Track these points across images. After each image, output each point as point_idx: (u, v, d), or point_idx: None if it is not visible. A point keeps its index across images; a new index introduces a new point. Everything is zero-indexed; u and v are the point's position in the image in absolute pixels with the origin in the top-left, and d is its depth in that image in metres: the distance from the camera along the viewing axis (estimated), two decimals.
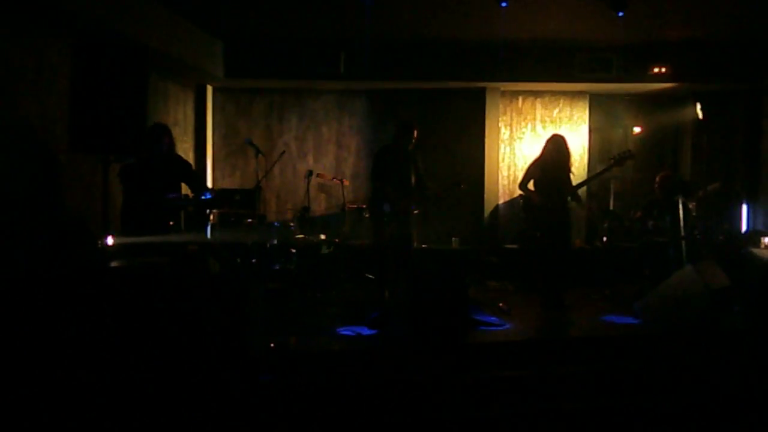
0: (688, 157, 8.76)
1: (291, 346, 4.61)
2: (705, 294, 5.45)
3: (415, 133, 6.23)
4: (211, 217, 7.89)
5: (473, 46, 7.92)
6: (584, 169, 8.59)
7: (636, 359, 4.83)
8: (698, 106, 8.11)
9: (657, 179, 7.08)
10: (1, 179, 4.81)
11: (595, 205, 8.76)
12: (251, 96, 8.73)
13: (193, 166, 5.92)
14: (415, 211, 6.43)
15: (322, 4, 6.46)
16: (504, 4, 5.51)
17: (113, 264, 4.80)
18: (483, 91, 8.51)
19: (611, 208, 8.59)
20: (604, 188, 8.93)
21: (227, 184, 8.64)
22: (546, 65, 8.09)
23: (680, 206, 6.55)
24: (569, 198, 6.30)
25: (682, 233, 6.50)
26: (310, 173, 7.51)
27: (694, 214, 6.83)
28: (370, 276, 6.91)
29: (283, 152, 7.61)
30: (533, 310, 6.15)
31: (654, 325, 5.49)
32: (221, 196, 7.45)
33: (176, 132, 7.09)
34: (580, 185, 6.40)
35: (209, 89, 8.50)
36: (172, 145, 5.57)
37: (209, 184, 8.51)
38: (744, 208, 8.30)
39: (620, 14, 5.81)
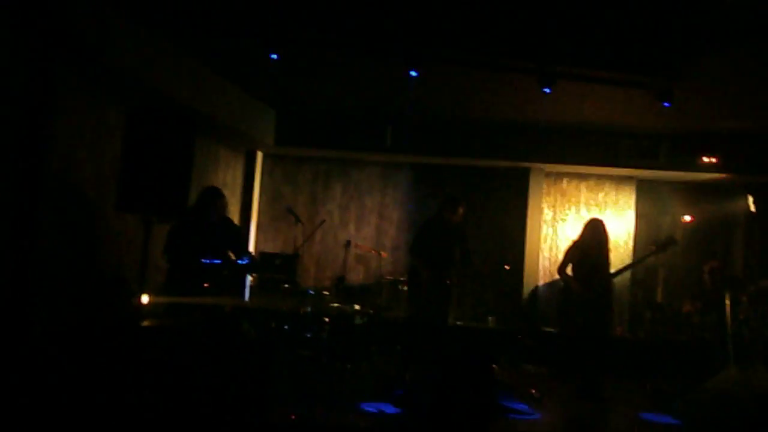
0: (739, 249, 8.47)
1: (312, 419, 4.54)
2: (752, 398, 5.16)
3: (461, 208, 6.20)
4: (251, 280, 8.05)
5: (518, 127, 8.01)
6: (629, 256, 8.39)
7: None
8: (750, 199, 7.89)
9: (705, 269, 6.84)
10: (54, 234, 5.04)
11: (640, 293, 8.49)
12: (298, 163, 8.97)
13: (241, 231, 6.03)
14: (448, 281, 6.27)
15: (370, 80, 6.67)
16: (547, 90, 5.55)
17: (145, 323, 4.89)
18: (527, 171, 8.53)
19: (658, 296, 8.33)
20: (652, 276, 8.69)
21: (270, 247, 8.77)
22: (591, 149, 8.08)
23: (728, 301, 6.28)
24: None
25: (730, 330, 6.20)
26: (348, 243, 7.58)
27: (744, 310, 6.54)
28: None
29: (323, 221, 7.73)
30: (567, 399, 5.92)
31: (695, 428, 5.18)
32: (261, 260, 7.59)
33: (224, 194, 7.34)
34: (620, 271, 6.24)
35: (259, 154, 8.79)
36: (224, 208, 5.70)
37: (252, 247, 8.67)
38: None
39: (666, 105, 5.77)
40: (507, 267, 6.34)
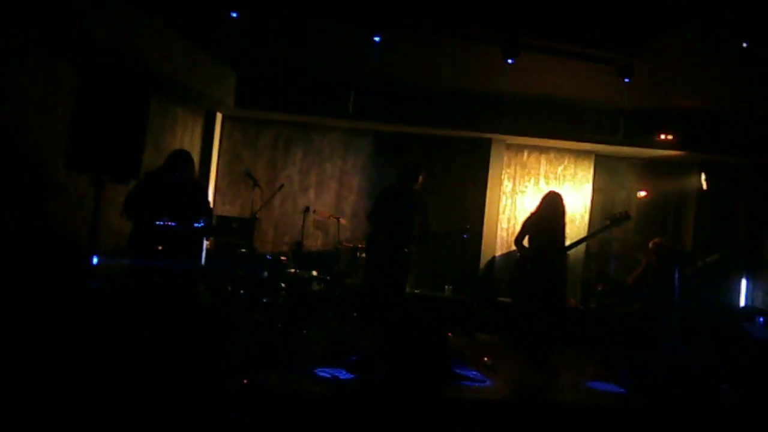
0: (690, 225, 8.69)
1: (266, 384, 4.54)
2: (695, 369, 5.35)
3: (421, 176, 6.19)
4: (207, 244, 7.94)
5: (480, 97, 8.00)
6: (585, 228, 8.54)
7: (614, 431, 4.71)
8: (703, 176, 8.11)
9: (650, 245, 7.02)
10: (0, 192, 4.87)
11: (593, 265, 8.68)
12: (259, 127, 8.81)
13: (207, 196, 5.93)
14: (406, 249, 6.21)
15: (333, 44, 6.56)
16: (510, 61, 5.54)
17: (95, 284, 4.79)
18: (488, 141, 8.55)
19: (610, 269, 8.53)
20: (605, 249, 8.89)
21: (228, 211, 8.66)
22: (552, 122, 8.14)
23: (676, 275, 6.47)
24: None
25: (676, 303, 6.40)
26: (306, 209, 7.53)
27: (690, 284, 6.74)
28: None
29: (282, 185, 7.64)
30: (518, 367, 6.05)
31: (638, 397, 5.36)
32: (218, 224, 7.49)
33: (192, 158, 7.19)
34: (574, 244, 6.34)
35: (218, 116, 8.60)
36: (191, 172, 5.61)
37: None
38: (743, 282, 8.20)
39: (627, 81, 5.83)
40: (468, 227, 6.32)
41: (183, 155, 5.52)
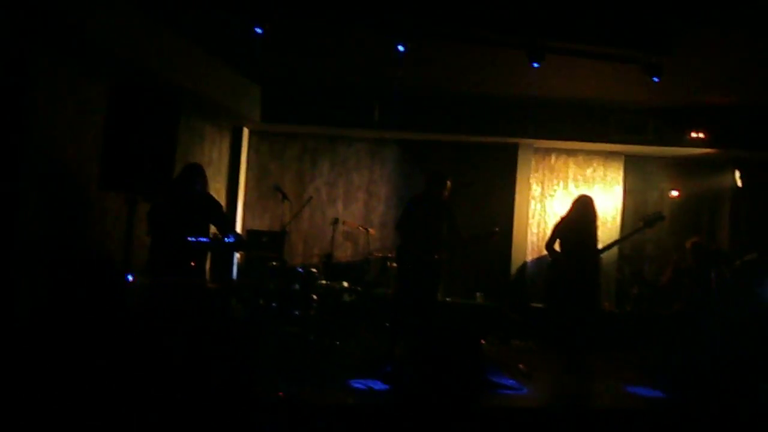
0: (726, 224, 8.51)
1: (301, 397, 4.54)
2: (735, 371, 5.23)
3: (448, 183, 6.17)
4: (239, 258, 8.01)
5: (506, 102, 7.95)
6: (617, 231, 8.42)
7: None
8: (737, 174, 7.94)
9: (687, 245, 6.87)
10: (36, 213, 4.96)
11: (627, 268, 8.54)
12: (285, 140, 8.87)
13: (224, 207, 5.96)
14: (436, 256, 6.14)
15: (357, 55, 6.59)
16: (536, 65, 5.50)
17: (131, 302, 4.86)
18: (515, 146, 8.49)
19: (645, 271, 8.38)
20: (639, 251, 8.74)
21: (257, 225, 8.72)
22: (580, 124, 8.05)
23: (713, 276, 6.33)
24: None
25: (714, 304, 6.26)
26: (335, 221, 7.55)
27: (728, 284, 6.59)
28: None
29: (311, 198, 7.68)
30: (555, 374, 5.97)
31: (679, 400, 5.25)
32: (249, 238, 7.55)
33: (210, 171, 7.22)
34: (607, 247, 6.26)
35: (245, 131, 8.68)
36: (204, 185, 5.64)
37: (239, 225, 8.62)
38: None
39: (656, 80, 5.74)
40: (496, 229, 6.27)
41: (197, 168, 5.55)
